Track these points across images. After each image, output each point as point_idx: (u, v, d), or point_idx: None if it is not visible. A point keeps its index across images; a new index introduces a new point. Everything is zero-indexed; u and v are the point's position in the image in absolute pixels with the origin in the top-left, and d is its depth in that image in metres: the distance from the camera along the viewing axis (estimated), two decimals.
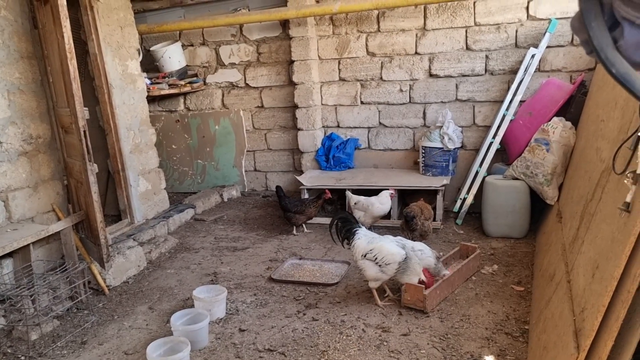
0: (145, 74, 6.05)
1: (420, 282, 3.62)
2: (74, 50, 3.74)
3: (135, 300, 4.11)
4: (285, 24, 6.37)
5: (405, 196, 5.79)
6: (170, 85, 6.46)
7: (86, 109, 3.87)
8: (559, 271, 3.07)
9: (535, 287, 3.71)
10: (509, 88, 5.43)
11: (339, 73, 6.39)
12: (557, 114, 4.95)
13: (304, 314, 3.70)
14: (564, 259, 3.08)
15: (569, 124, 4.77)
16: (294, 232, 5.49)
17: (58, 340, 3.48)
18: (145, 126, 5.61)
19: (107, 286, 4.23)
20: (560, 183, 4.64)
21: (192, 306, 3.72)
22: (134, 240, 4.93)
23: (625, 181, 1.99)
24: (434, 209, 5.34)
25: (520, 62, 5.37)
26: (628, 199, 1.99)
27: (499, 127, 5.34)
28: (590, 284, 2.24)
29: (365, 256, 3.72)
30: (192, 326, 3.24)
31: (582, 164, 3.76)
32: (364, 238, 3.84)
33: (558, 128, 4.68)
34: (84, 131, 3.81)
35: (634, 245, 1.88)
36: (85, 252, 4.26)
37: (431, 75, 5.96)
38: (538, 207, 4.94)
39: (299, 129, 6.54)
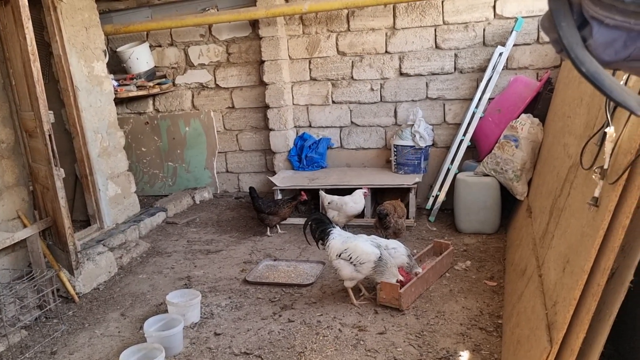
0: (112, 76, 5.94)
1: (399, 282, 3.63)
2: (37, 52, 3.63)
3: (106, 307, 4.02)
4: (254, 23, 6.33)
5: (378, 195, 5.82)
6: (139, 87, 6.35)
7: (51, 112, 3.76)
8: (530, 266, 3.12)
9: (508, 281, 3.77)
10: (478, 86, 5.51)
11: (310, 73, 6.37)
12: (525, 111, 5.04)
13: (280, 316, 3.68)
14: (535, 253, 3.13)
15: (536, 120, 4.86)
16: (268, 233, 5.46)
17: (26, 351, 3.37)
18: (114, 129, 5.50)
19: (77, 293, 4.13)
20: (529, 179, 4.73)
21: (166, 311, 3.67)
22: (104, 245, 4.83)
23: (593, 176, 2.03)
24: (407, 206, 5.38)
25: (489, 60, 5.45)
26: (596, 194, 2.03)
27: (469, 124, 5.41)
28: (561, 277, 2.28)
29: (340, 256, 3.72)
30: (166, 332, 3.19)
31: (550, 159, 3.83)
32: (338, 238, 3.84)
33: (526, 125, 4.76)
34: (49, 135, 3.71)
35: (603, 239, 1.92)
36: (53, 259, 4.15)
37: (402, 74, 5.99)
38: (508, 202, 5.03)
39: (270, 129, 6.50)
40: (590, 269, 1.94)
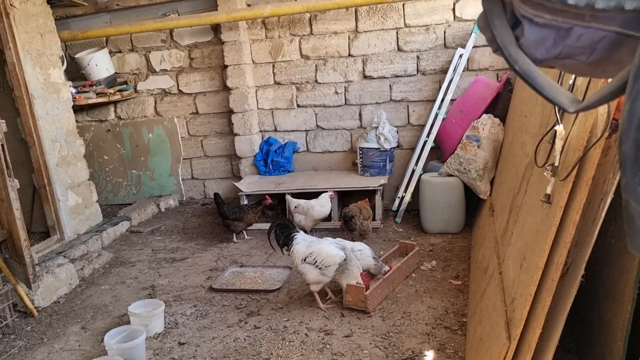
0: (70, 83, 5.81)
1: (358, 284, 3.64)
2: None
3: (67, 320, 3.91)
4: (217, 28, 6.27)
5: (345, 197, 5.82)
6: (99, 94, 6.21)
7: (3, 121, 3.64)
8: (492, 263, 3.16)
9: (472, 280, 3.81)
10: (440, 87, 5.57)
11: (274, 77, 6.35)
12: (486, 111, 5.12)
13: (246, 323, 3.63)
14: (496, 251, 3.17)
15: (497, 120, 4.94)
16: (234, 239, 5.40)
17: None
18: (73, 137, 5.36)
19: (36, 307, 4.00)
20: (491, 178, 4.80)
21: (129, 323, 3.58)
22: (64, 257, 4.70)
23: (545, 174, 2.07)
24: (374, 208, 5.40)
25: (450, 62, 5.52)
26: (548, 191, 2.06)
27: (432, 125, 5.46)
28: (519, 274, 2.31)
29: (305, 260, 3.70)
30: (127, 344, 3.11)
31: (510, 158, 3.90)
32: (302, 242, 3.82)
33: (487, 125, 4.84)
34: (2, 145, 3.59)
35: (556, 235, 1.95)
36: (9, 273, 4.00)
37: (365, 76, 6.02)
38: (472, 202, 5.10)
39: (235, 135, 6.44)
40: (545, 264, 1.97)
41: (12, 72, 4.68)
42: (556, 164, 2.02)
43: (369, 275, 3.94)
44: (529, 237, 2.33)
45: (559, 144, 2.01)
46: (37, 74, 4.89)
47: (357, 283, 3.61)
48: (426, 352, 3.05)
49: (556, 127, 2.03)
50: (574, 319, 1.96)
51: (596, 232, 1.82)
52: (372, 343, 3.22)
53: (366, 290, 3.57)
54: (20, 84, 4.69)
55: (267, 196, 5.37)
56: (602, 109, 1.80)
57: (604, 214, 1.80)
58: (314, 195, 5.32)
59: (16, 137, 5.18)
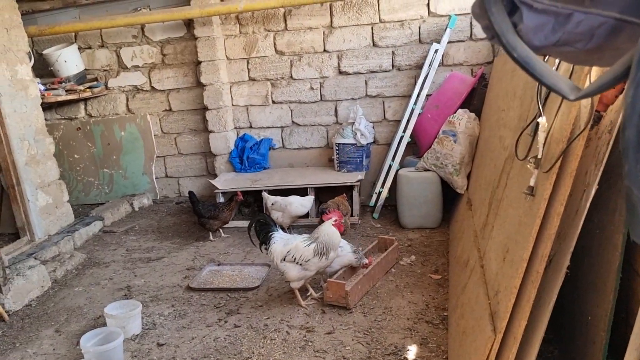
0: (38, 80, 5.62)
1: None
2: None
3: (39, 324, 3.78)
4: (190, 23, 6.16)
5: (321, 194, 5.80)
6: (68, 91, 6.04)
7: None
8: (472, 257, 3.17)
9: (452, 274, 3.83)
10: (415, 83, 5.58)
11: (249, 73, 6.27)
12: (462, 106, 5.16)
13: (226, 322, 3.58)
14: (477, 245, 3.19)
15: (473, 115, 4.98)
16: (211, 237, 5.32)
17: None
18: (42, 135, 5.21)
19: (6, 312, 3.86)
20: (468, 172, 4.84)
21: (104, 325, 3.49)
22: (35, 259, 4.55)
23: (528, 166, 2.08)
24: (351, 204, 5.39)
25: (425, 57, 5.54)
26: (532, 183, 2.07)
27: (408, 120, 5.47)
28: (502, 267, 2.32)
29: (284, 259, 3.66)
30: (103, 346, 3.02)
31: (488, 152, 3.93)
32: (280, 242, 3.77)
33: (463, 119, 4.87)
34: None
35: (540, 227, 1.96)
36: None
37: (341, 72, 6.00)
38: (450, 196, 5.12)
39: (210, 132, 6.35)
40: (529, 257, 1.98)
41: None
42: (539, 156, 2.03)
43: (349, 271, 3.93)
44: (511, 229, 2.34)
45: (541, 136, 2.02)
46: (4, 70, 4.73)
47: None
48: (409, 347, 3.05)
49: (539, 119, 2.04)
50: (553, 310, 1.97)
51: (580, 224, 1.84)
52: (354, 339, 3.20)
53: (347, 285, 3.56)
54: None
55: (238, 192, 5.30)
56: (585, 101, 1.81)
57: (588, 205, 1.81)
58: (290, 192, 5.28)
59: None
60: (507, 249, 2.31)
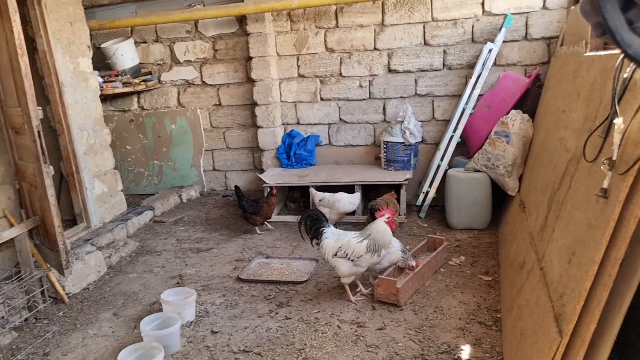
0: (97, 72, 5.81)
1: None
2: (24, 46, 3.53)
3: (97, 307, 3.93)
4: (242, 20, 6.26)
5: (368, 191, 5.81)
6: (124, 84, 6.23)
7: (39, 108, 3.66)
8: (529, 259, 3.13)
9: (504, 276, 3.79)
10: (466, 82, 5.53)
11: (298, 69, 6.33)
12: (515, 107, 5.08)
13: (276, 313, 3.64)
14: (533, 247, 3.14)
15: (526, 116, 4.90)
16: (257, 231, 5.40)
17: (18, 353, 3.27)
18: (100, 126, 5.39)
19: (66, 294, 4.03)
20: (520, 174, 4.76)
21: (160, 310, 3.60)
22: (91, 245, 4.72)
23: (602, 167, 2.04)
24: (398, 203, 5.37)
25: (477, 57, 5.48)
26: (605, 185, 2.03)
27: (459, 120, 5.42)
28: (567, 269, 2.29)
29: (336, 255, 3.69)
30: (163, 331, 3.12)
31: (544, 154, 3.86)
32: (331, 237, 3.81)
33: (517, 120, 4.80)
34: (38, 132, 3.61)
35: (613, 230, 1.92)
36: (41, 259, 4.04)
37: (390, 70, 5.99)
38: (498, 198, 5.06)
39: (258, 127, 6.44)
40: (601, 259, 1.95)
41: (43, 60, 4.71)
42: (614, 157, 1.99)
43: (397, 268, 3.94)
44: (578, 232, 2.30)
45: (617, 137, 1.98)
46: (67, 62, 4.91)
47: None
48: (462, 347, 3.04)
49: (615, 120, 2.00)
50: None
51: None
52: (405, 336, 3.21)
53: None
54: (50, 72, 4.71)
55: (273, 187, 5.36)
56: None
57: None
58: (337, 189, 5.31)
59: (44, 124, 5.17)
60: (574, 251, 2.28)
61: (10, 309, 3.57)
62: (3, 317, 3.50)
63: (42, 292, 3.68)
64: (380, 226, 3.65)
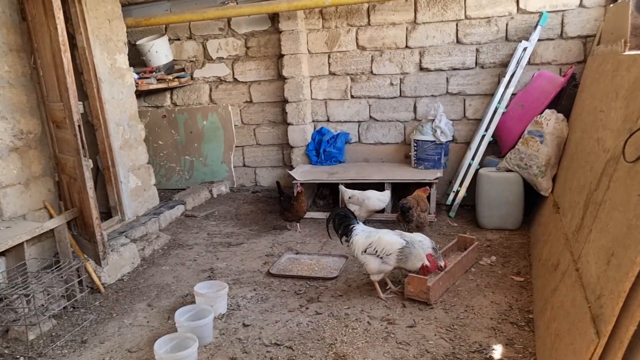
0: (132, 69, 5.93)
1: (424, 267, 3.62)
2: (67, 43, 3.64)
3: (132, 297, 4.03)
4: (274, 17, 6.31)
5: (398, 189, 5.80)
6: (159, 80, 6.35)
7: (80, 103, 3.76)
8: (563, 260, 3.10)
9: (537, 276, 3.75)
10: (499, 81, 5.47)
11: (329, 67, 6.35)
12: (549, 106, 5.01)
13: (307, 308, 3.67)
14: (569, 248, 3.11)
15: (561, 116, 4.82)
16: (288, 227, 5.45)
17: (57, 340, 3.38)
18: (135, 121, 5.51)
19: (102, 284, 4.14)
20: (553, 174, 4.70)
21: (192, 302, 3.67)
22: (126, 237, 4.84)
23: None
24: (428, 201, 5.35)
25: (511, 55, 5.42)
26: None
27: (491, 119, 5.38)
28: (606, 271, 2.26)
29: (365, 251, 3.71)
30: (197, 322, 3.19)
31: (581, 154, 3.80)
32: (361, 234, 3.84)
33: (551, 120, 4.73)
34: (79, 126, 3.72)
35: None
36: (79, 249, 4.16)
37: (422, 68, 5.97)
38: (530, 198, 5.00)
39: (289, 124, 6.49)
40: None
41: (82, 56, 4.83)
42: None
43: (426, 267, 3.93)
44: (617, 233, 2.27)
45: None
46: (105, 58, 5.03)
47: (423, 265, 3.60)
48: (494, 346, 3.02)
49: None
50: None
51: None
52: (436, 334, 3.21)
53: (433, 270, 3.57)
54: (89, 68, 4.83)
55: (298, 184, 5.38)
56: None
57: None
58: (366, 186, 5.31)
59: (82, 119, 5.32)
60: (612, 252, 2.25)
61: (49, 297, 3.69)
62: (43, 305, 3.62)
63: (80, 282, 3.78)
64: (419, 255, 3.65)
